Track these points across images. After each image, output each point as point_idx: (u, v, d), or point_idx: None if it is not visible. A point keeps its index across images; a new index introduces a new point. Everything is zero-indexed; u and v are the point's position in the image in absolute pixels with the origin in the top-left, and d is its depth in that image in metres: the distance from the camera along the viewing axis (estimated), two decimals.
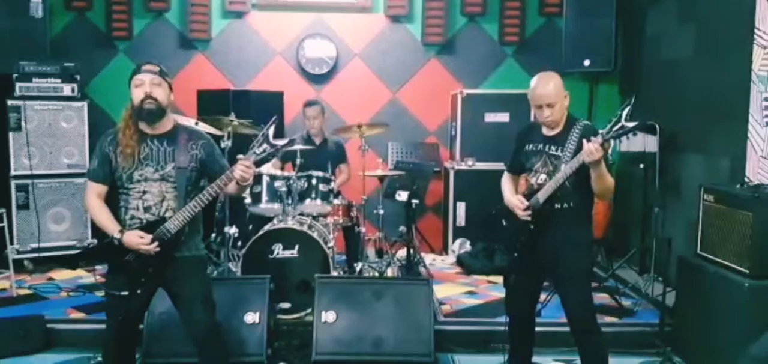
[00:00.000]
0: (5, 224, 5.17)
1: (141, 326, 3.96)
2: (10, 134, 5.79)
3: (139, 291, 3.12)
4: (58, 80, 5.98)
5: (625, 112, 3.09)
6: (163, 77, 3.16)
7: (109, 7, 6.85)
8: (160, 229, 3.07)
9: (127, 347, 3.39)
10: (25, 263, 5.73)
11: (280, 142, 3.06)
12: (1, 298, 5.07)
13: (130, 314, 3.24)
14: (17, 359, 4.19)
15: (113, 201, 3.22)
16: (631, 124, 3.09)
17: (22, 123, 5.78)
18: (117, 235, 3.07)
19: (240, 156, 3.05)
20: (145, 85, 3.10)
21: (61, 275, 5.57)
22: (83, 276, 5.50)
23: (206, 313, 3.25)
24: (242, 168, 3.01)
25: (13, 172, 5.81)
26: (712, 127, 5.08)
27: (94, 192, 3.19)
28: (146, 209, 3.14)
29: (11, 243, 5.39)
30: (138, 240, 3.05)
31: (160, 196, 3.15)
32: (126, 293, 3.09)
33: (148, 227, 3.09)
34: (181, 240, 3.14)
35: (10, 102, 5.79)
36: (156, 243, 3.05)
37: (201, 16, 6.90)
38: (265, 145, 3.02)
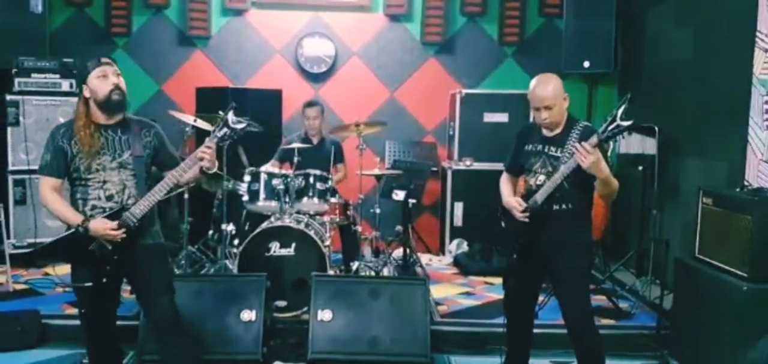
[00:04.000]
0: (2, 219, 5.15)
1: (137, 323, 3.97)
2: (8, 129, 5.79)
3: (104, 280, 3.12)
4: (57, 76, 5.97)
5: (620, 111, 3.08)
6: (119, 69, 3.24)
7: (108, 3, 6.83)
8: (125, 215, 3.09)
9: (104, 341, 3.41)
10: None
11: (240, 125, 3.14)
12: None
13: (100, 306, 3.25)
14: (13, 353, 4.20)
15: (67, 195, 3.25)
16: (626, 123, 3.07)
17: (20, 118, 5.77)
18: (82, 224, 3.06)
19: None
20: (111, 76, 3.16)
21: (57, 270, 5.54)
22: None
23: (170, 302, 3.29)
24: (206, 148, 3.10)
25: (10, 167, 5.80)
26: (711, 130, 5.08)
27: (50, 187, 3.18)
28: (108, 198, 3.16)
29: (8, 238, 5.37)
30: (104, 226, 3.05)
31: (121, 184, 3.17)
32: (90, 284, 3.10)
33: (111, 217, 3.10)
34: (144, 226, 3.17)
35: (8, 97, 5.79)
36: (123, 230, 3.07)
37: (200, 13, 6.89)
38: (225, 129, 3.11)
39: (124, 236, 3.07)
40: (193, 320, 4.05)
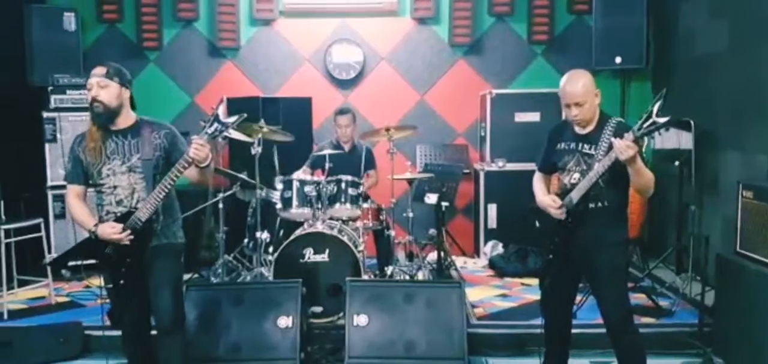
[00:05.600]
0: (43, 233, 5.26)
1: None
2: (46, 146, 5.93)
3: (121, 282, 3.23)
4: None
5: (655, 108, 3.03)
6: (111, 77, 3.24)
7: (139, 18, 6.95)
8: (131, 218, 3.18)
9: (142, 349, 3.47)
10: (63, 271, 5.83)
11: (230, 119, 3.14)
12: (40, 306, 5.19)
13: (127, 308, 3.32)
14: None
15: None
16: (662, 120, 3.02)
17: (58, 134, 5.92)
18: (92, 229, 3.21)
19: (194, 136, 3.14)
20: (93, 89, 3.23)
21: (98, 282, 5.63)
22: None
23: (172, 300, 3.33)
24: (195, 146, 3.09)
25: (49, 183, 5.95)
26: (749, 124, 4.96)
27: (73, 194, 3.34)
28: (118, 203, 3.26)
29: (49, 252, 5.49)
30: (111, 230, 3.17)
31: (130, 188, 3.26)
32: (111, 285, 3.25)
33: (120, 219, 3.21)
34: (156, 229, 3.25)
35: (45, 114, 5.95)
36: (129, 232, 3.16)
37: (229, 24, 6.97)
38: (215, 124, 3.12)
39: (132, 238, 3.16)
40: (232, 328, 4.13)
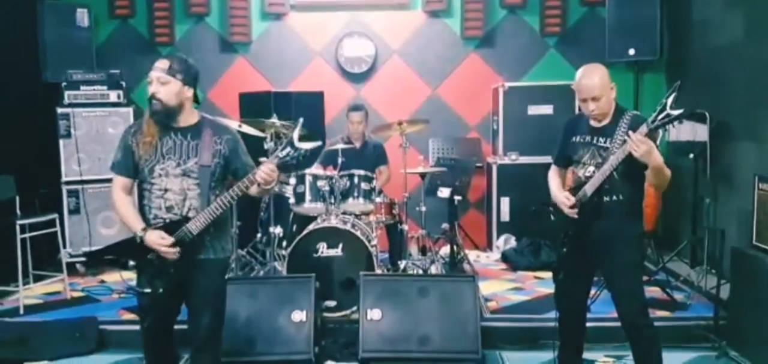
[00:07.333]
0: (58, 228, 5.30)
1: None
2: (61, 141, 5.97)
3: (160, 290, 3.01)
4: (105, 87, 6.12)
5: (670, 100, 3.00)
6: (174, 74, 3.00)
7: (151, 14, 6.98)
8: (181, 230, 2.97)
9: (162, 347, 3.32)
10: (78, 266, 5.89)
11: (305, 146, 2.94)
12: (55, 301, 5.23)
13: (159, 314, 3.16)
14: (73, 359, 4.32)
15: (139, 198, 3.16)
16: (676, 112, 2.99)
17: (72, 130, 5.95)
18: (139, 233, 2.99)
19: (263, 158, 2.97)
20: (152, 84, 2.99)
21: (112, 277, 5.68)
22: (133, 278, 5.58)
23: (209, 321, 3.12)
24: (266, 172, 2.92)
25: (64, 179, 5.98)
26: (765, 115, 4.91)
27: (119, 185, 3.10)
28: (168, 209, 3.04)
29: (64, 247, 5.53)
30: (159, 241, 2.96)
31: (182, 194, 3.03)
32: (148, 290, 3.02)
33: (170, 227, 2.99)
34: (205, 242, 3.06)
35: (59, 110, 5.97)
36: (177, 249, 2.97)
37: (241, 18, 6.98)
38: (288, 149, 2.93)
39: (179, 252, 2.97)
40: (247, 322, 4.15)
